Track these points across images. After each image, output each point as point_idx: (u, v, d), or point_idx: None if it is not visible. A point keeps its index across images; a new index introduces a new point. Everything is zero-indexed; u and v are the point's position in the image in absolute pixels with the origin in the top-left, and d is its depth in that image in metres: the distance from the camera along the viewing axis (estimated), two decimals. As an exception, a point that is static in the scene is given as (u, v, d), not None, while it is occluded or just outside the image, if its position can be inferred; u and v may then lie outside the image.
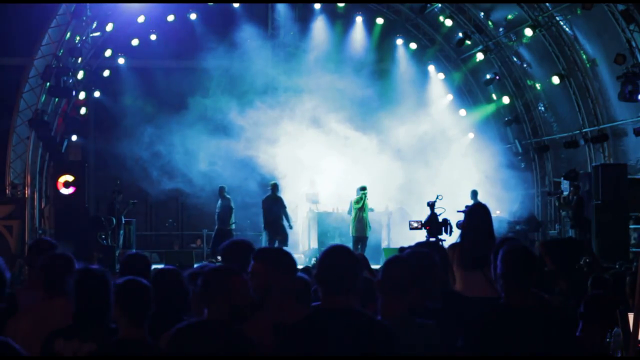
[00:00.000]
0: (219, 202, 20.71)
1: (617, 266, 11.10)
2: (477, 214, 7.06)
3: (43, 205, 21.35)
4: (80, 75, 21.86)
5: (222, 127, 22.81)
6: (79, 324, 4.74)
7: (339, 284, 4.12)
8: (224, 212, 20.57)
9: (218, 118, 22.97)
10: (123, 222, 20.80)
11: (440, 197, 17.55)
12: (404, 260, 4.58)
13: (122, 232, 20.72)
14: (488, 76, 24.24)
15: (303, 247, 21.61)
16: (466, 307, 5.14)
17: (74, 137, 22.86)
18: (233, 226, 20.82)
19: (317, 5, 24.52)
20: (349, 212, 20.03)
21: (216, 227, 20.71)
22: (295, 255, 5.62)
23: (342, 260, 4.19)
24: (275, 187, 20.18)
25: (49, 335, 4.75)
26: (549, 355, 4.26)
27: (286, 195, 22.41)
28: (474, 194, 20.86)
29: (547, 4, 20.75)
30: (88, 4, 20.55)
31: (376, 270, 6.05)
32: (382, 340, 4.02)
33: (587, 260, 9.15)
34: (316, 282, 4.25)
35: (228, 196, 20.85)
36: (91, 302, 4.73)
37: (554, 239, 18.23)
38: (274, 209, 19.89)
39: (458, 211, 15.16)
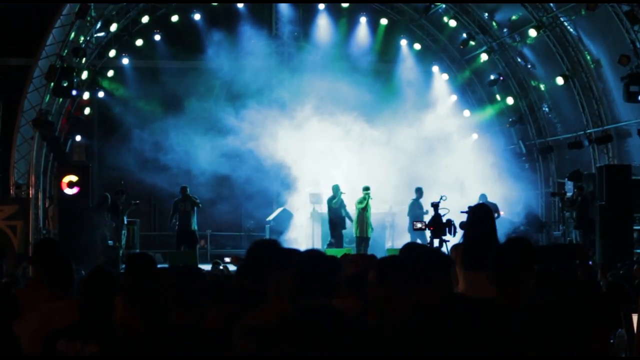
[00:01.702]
0: (184, 202, 20.53)
1: (618, 265, 11.08)
2: (479, 214, 7.05)
3: (47, 206, 21.36)
4: (84, 75, 21.88)
5: (226, 127, 22.82)
6: (82, 324, 4.74)
7: (315, 286, 4.16)
8: (189, 213, 20.45)
9: (223, 118, 22.99)
10: (126, 222, 20.80)
11: (444, 198, 17.57)
12: (400, 260, 4.58)
13: (124, 232, 20.73)
14: (492, 77, 24.23)
15: (306, 247, 21.60)
16: (466, 308, 5.13)
17: (78, 138, 22.91)
18: (195, 227, 20.72)
19: (322, 6, 24.53)
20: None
21: (179, 227, 20.56)
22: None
23: (317, 263, 4.24)
24: (334, 189, 20.26)
25: (49, 335, 4.74)
26: (545, 355, 4.22)
27: (288, 196, 22.52)
28: (483, 197, 20.88)
29: (552, 4, 20.74)
30: (92, 3, 20.56)
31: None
32: (359, 341, 4.02)
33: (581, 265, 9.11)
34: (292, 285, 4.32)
35: (194, 197, 20.74)
36: (96, 302, 4.73)
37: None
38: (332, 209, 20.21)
39: (461, 212, 15.14)
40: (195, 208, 20.51)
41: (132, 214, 22.21)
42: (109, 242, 20.46)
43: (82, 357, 4.63)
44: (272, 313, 4.37)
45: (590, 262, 13.21)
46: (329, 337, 4.00)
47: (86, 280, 4.94)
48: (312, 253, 4.48)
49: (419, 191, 20.85)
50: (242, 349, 4.48)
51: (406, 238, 19.88)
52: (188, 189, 20.72)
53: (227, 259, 17.44)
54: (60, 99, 21.30)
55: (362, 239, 19.89)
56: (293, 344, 4.02)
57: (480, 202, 19.56)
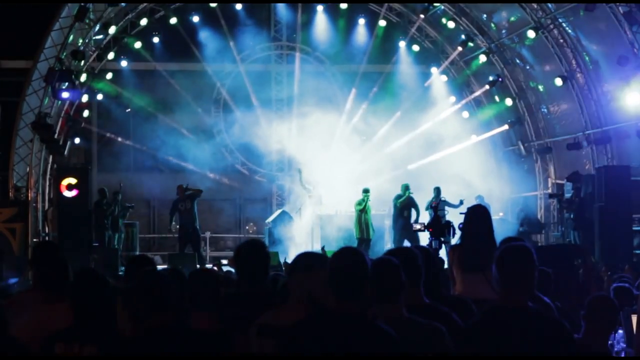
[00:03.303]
0: (184, 201, 19.96)
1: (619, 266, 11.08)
2: (477, 215, 7.04)
3: (46, 208, 21.36)
4: (83, 78, 21.88)
5: (225, 129, 22.83)
6: (78, 326, 4.74)
7: (349, 289, 4.09)
8: (190, 211, 20.09)
9: (221, 120, 23.00)
10: (120, 224, 20.76)
11: (443, 199, 17.58)
12: (391, 262, 4.55)
13: (117, 234, 20.70)
14: (491, 78, 24.23)
15: (307, 249, 21.55)
16: (465, 309, 5.13)
17: (77, 140, 22.89)
18: (197, 225, 20.33)
19: (320, 8, 24.55)
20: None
21: (181, 228, 20.07)
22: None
23: (353, 263, 4.14)
24: (402, 188, 20.37)
25: (47, 339, 4.74)
26: (547, 357, 4.23)
27: (291, 198, 22.50)
28: (480, 199, 20.90)
29: (549, 4, 20.73)
30: (90, 4, 20.53)
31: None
32: (386, 345, 4.01)
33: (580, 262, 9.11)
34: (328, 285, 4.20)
35: (192, 189, 20.37)
36: (90, 303, 4.73)
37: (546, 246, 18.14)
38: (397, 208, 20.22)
39: (460, 213, 15.12)
40: (196, 205, 19.96)
41: (130, 216, 22.20)
42: (114, 245, 20.46)
43: (81, 358, 4.64)
44: (291, 314, 4.36)
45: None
46: (347, 341, 4.00)
47: (74, 281, 4.94)
48: (351, 251, 4.28)
49: (437, 190, 20.86)
50: (259, 348, 4.48)
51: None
52: (185, 185, 20.13)
53: (225, 262, 17.43)
54: (59, 102, 21.29)
55: (363, 240, 19.91)
56: (309, 345, 4.02)
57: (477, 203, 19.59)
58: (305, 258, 4.78)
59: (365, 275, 4.11)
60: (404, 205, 20.06)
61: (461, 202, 19.25)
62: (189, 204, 19.78)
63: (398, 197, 20.28)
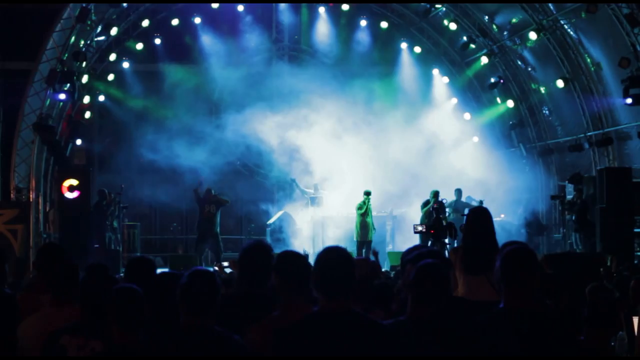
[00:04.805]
0: (209, 204, 19.87)
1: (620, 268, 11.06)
2: (478, 217, 7.04)
3: (47, 209, 21.36)
4: (85, 79, 21.88)
5: (226, 131, 22.81)
6: (85, 321, 4.76)
7: (336, 287, 4.12)
8: (214, 215, 20.02)
9: (223, 122, 22.99)
10: (115, 226, 20.75)
11: (444, 201, 17.56)
12: (437, 268, 4.56)
13: (113, 236, 20.70)
14: (492, 80, 24.22)
15: (308, 251, 21.54)
16: (469, 311, 5.13)
17: (79, 141, 22.89)
18: (218, 229, 20.08)
19: (322, 9, 24.55)
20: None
21: (201, 230, 19.98)
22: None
23: (338, 262, 4.18)
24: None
25: (55, 332, 4.78)
26: (549, 358, 4.23)
27: (292, 199, 22.49)
28: (470, 199, 20.98)
29: (550, 4, 20.73)
30: (92, 3, 20.53)
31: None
32: (380, 342, 4.02)
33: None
34: (313, 285, 4.24)
35: (219, 195, 20.33)
36: (97, 299, 4.75)
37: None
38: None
39: (462, 215, 15.14)
40: (219, 211, 19.84)
41: (132, 217, 22.17)
42: (114, 246, 20.46)
43: (85, 353, 4.66)
44: (292, 315, 4.36)
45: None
46: (348, 339, 4.01)
47: (83, 277, 4.97)
48: (335, 250, 4.34)
49: (459, 192, 20.94)
50: (260, 350, 4.48)
51: (408, 242, 19.89)
52: (213, 190, 20.12)
53: (226, 263, 17.40)
54: (61, 103, 21.30)
55: (363, 243, 19.90)
56: (312, 345, 4.02)
57: (478, 204, 19.59)
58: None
59: (351, 272, 4.16)
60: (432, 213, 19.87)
61: (481, 203, 19.29)
62: (214, 208, 19.65)
63: (425, 203, 20.10)
